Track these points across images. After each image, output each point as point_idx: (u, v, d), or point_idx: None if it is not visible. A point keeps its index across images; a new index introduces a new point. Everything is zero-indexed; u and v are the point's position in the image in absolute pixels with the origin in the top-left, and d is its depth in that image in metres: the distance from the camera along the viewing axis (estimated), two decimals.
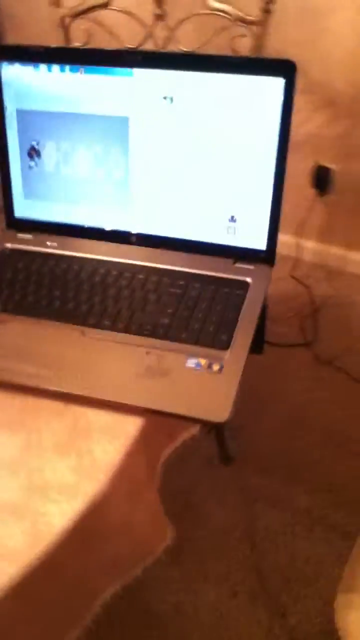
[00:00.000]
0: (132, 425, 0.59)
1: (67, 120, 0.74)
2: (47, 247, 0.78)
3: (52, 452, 0.57)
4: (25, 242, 0.79)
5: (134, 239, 0.78)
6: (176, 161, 0.72)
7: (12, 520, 0.52)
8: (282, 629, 1.02)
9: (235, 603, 1.06)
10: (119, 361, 0.62)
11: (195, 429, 0.67)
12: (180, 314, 0.68)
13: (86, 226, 0.79)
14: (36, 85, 0.73)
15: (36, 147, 0.76)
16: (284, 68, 0.64)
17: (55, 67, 0.72)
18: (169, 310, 0.68)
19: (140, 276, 0.73)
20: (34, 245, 0.79)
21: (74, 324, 0.67)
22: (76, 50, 0.71)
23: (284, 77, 0.64)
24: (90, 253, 0.77)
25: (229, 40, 0.99)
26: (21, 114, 0.75)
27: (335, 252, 1.70)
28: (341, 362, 1.44)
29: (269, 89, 0.65)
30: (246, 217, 0.73)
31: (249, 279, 0.72)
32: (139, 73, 0.69)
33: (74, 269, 0.74)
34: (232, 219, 0.73)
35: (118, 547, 0.60)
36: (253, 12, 0.99)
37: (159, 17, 1.05)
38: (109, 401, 0.59)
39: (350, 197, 1.54)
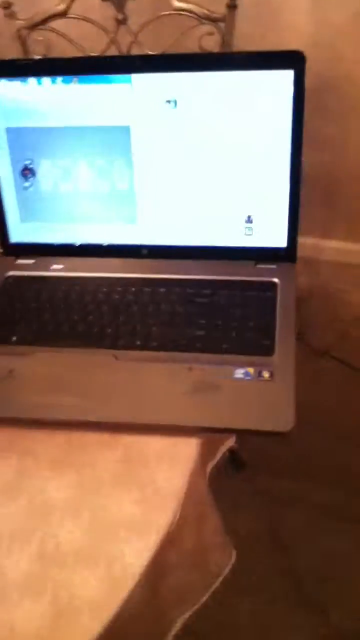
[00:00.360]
0: (189, 447, 0.55)
1: (63, 135, 0.70)
2: (53, 270, 0.74)
3: (111, 487, 0.53)
4: (28, 268, 0.75)
5: (145, 252, 0.74)
6: (185, 166, 0.69)
7: (83, 568, 0.48)
8: (326, 628, 1.00)
9: (274, 611, 1.03)
10: (162, 381, 0.59)
11: (232, 440, 0.64)
12: (214, 324, 0.64)
13: (92, 244, 0.75)
14: (26, 100, 0.69)
15: (30, 166, 0.72)
16: (292, 59, 0.62)
17: (46, 80, 0.67)
18: (202, 322, 0.65)
19: (162, 289, 0.69)
20: (39, 270, 0.74)
21: (103, 348, 0.63)
22: (68, 60, 0.67)
23: (293, 68, 0.63)
24: (102, 272, 0.73)
25: (196, 39, 0.97)
26: (12, 132, 0.70)
27: (310, 242, 1.70)
28: (337, 352, 1.43)
29: (278, 83, 0.64)
30: (263, 216, 0.70)
31: (275, 279, 0.70)
32: (138, 79, 0.66)
33: (89, 290, 0.70)
34: (249, 220, 0.71)
35: (191, 574, 0.56)
36: (218, 9, 0.97)
37: (121, 22, 1.02)
38: (160, 425, 0.56)
39: (320, 187, 1.55)
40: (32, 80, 0.68)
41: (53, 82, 0.67)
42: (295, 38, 1.13)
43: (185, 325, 0.65)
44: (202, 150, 0.68)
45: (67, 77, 0.67)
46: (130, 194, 0.72)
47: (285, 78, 0.63)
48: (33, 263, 0.75)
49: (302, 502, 1.17)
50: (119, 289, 0.70)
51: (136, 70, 0.66)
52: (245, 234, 0.72)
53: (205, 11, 0.98)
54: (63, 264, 0.74)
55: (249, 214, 0.71)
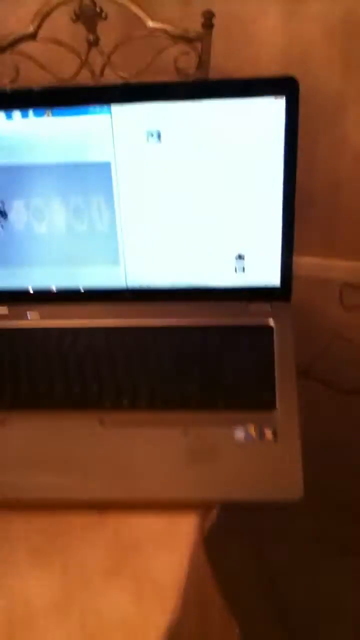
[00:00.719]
0: (187, 525, 0.49)
1: (37, 173, 0.63)
2: (27, 319, 0.67)
3: (101, 580, 0.46)
4: (0, 318, 0.68)
5: (129, 295, 0.68)
6: (171, 202, 0.64)
7: None
8: None
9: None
10: (155, 450, 0.52)
11: None
12: (208, 376, 0.59)
13: (71, 289, 0.69)
14: None
15: (0, 207, 0.66)
16: (284, 85, 0.57)
17: (16, 113, 0.61)
18: (194, 374, 0.59)
19: (149, 338, 0.63)
20: (11, 319, 0.67)
21: (87, 410, 0.56)
22: (40, 91, 0.61)
23: (285, 95, 0.58)
24: (83, 319, 0.66)
25: (170, 59, 0.93)
26: None
27: None
28: (316, 373, 1.38)
29: (270, 111, 0.58)
30: (255, 252, 0.65)
31: (271, 322, 0.64)
32: (118, 110, 0.60)
33: (68, 341, 0.64)
34: (240, 257, 0.65)
35: None
36: (193, 28, 0.93)
37: (92, 43, 0.97)
38: (154, 501, 0.49)
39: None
40: (0, 114, 0.62)
41: (24, 115, 0.61)
42: (269, 54, 1.10)
43: (177, 379, 0.59)
44: (189, 185, 0.63)
45: (40, 110, 0.61)
46: (112, 234, 0.66)
47: (276, 105, 0.58)
48: (6, 312, 0.68)
49: (292, 534, 1.11)
50: (102, 339, 0.64)
51: (116, 100, 0.60)
52: (237, 272, 0.66)
53: (180, 31, 0.93)
54: (39, 311, 0.68)
55: (240, 251, 0.65)
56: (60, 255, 0.67)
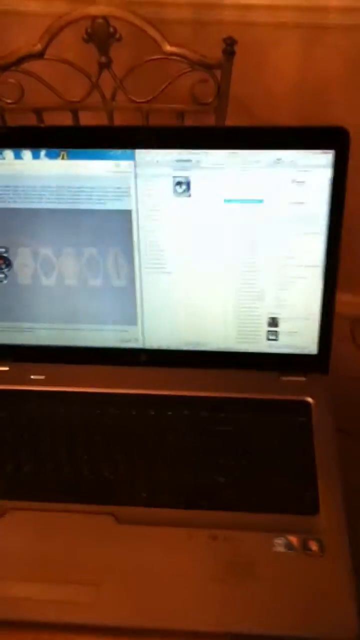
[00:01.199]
0: None
1: (47, 219, 0.56)
2: (31, 382, 0.59)
3: None
4: (0, 378, 0.60)
5: (144, 358, 0.61)
6: (197, 258, 0.56)
7: None
8: None
9: None
10: (177, 559, 0.44)
11: None
12: (238, 465, 0.51)
13: (81, 347, 0.61)
14: (1, 176, 0.55)
15: (4, 254, 0.58)
16: (332, 137, 0.50)
17: (27, 153, 0.54)
18: (221, 462, 0.51)
19: (169, 412, 0.56)
20: (13, 381, 0.59)
21: (98, 504, 0.48)
22: (55, 129, 0.54)
23: (334, 148, 0.51)
24: (92, 386, 0.58)
25: (186, 87, 0.86)
26: None
27: None
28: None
29: (314, 165, 0.51)
30: (290, 315, 0.57)
31: (308, 398, 0.56)
32: (143, 155, 0.53)
33: (76, 412, 0.56)
34: (273, 321, 0.58)
35: None
36: (212, 54, 0.86)
37: (104, 65, 0.90)
38: (176, 631, 0.41)
39: None
40: (8, 153, 0.54)
41: (35, 156, 0.54)
42: (285, 83, 1.04)
43: (201, 467, 0.51)
44: (218, 241, 0.55)
45: (53, 151, 0.54)
46: (130, 291, 0.58)
47: (323, 159, 0.51)
48: (7, 370, 0.61)
49: None
50: (115, 410, 0.56)
51: (141, 144, 0.53)
52: (268, 338, 0.59)
53: (199, 57, 0.87)
54: (44, 373, 0.60)
55: (273, 314, 0.58)
56: (70, 311, 0.60)
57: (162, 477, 0.50)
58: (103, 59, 0.86)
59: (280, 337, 0.58)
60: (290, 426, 0.54)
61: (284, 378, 0.59)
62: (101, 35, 0.83)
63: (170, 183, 0.54)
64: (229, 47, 0.88)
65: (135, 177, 0.54)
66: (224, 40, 0.87)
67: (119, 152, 0.53)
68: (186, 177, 0.53)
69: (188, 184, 0.53)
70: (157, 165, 0.53)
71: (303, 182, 0.52)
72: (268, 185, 0.52)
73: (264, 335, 0.59)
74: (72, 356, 0.61)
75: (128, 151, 0.53)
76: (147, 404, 0.56)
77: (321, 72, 1.05)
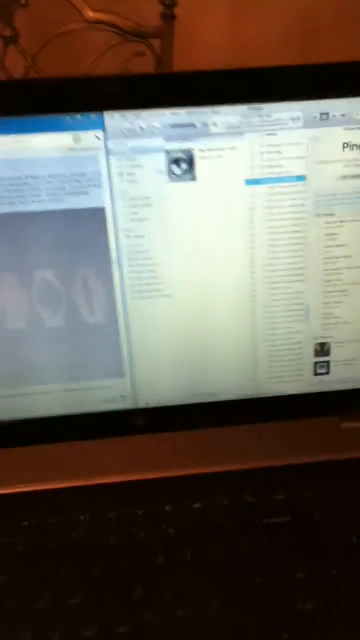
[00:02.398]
0: None
1: None
2: None
3: None
4: None
5: (141, 422, 0.42)
6: (208, 271, 0.38)
7: None
8: None
9: None
10: None
11: None
12: (326, 578, 0.33)
13: (40, 419, 0.41)
14: None
15: None
16: None
17: None
18: (300, 575, 0.33)
19: (195, 505, 0.37)
20: None
21: None
22: None
23: None
24: (64, 478, 0.39)
25: (119, 63, 0.68)
26: None
27: None
28: None
29: None
30: (346, 338, 0.41)
31: None
32: (117, 120, 0.34)
33: (38, 534, 0.36)
34: (322, 350, 0.41)
35: None
36: (147, 20, 0.69)
37: (10, 40, 0.70)
38: None
39: None
40: None
41: None
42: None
43: (273, 591, 0.33)
44: (239, 243, 0.38)
45: None
46: (110, 328, 0.39)
47: None
48: None
49: None
50: (102, 516, 0.37)
51: (114, 103, 0.34)
52: (317, 373, 0.42)
53: (132, 24, 0.69)
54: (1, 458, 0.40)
55: (322, 340, 0.41)
56: (19, 368, 0.40)
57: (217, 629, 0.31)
58: (8, 32, 0.66)
59: (333, 369, 0.41)
60: None
61: (346, 425, 0.42)
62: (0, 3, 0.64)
63: (163, 161, 0.35)
64: (169, 10, 0.70)
65: (108, 155, 0.35)
66: (162, 1, 0.69)
67: (79, 117, 0.34)
68: (187, 151, 0.35)
69: (191, 162, 0.35)
70: (140, 134, 0.35)
71: None
72: (310, 155, 0.35)
73: (309, 369, 0.41)
74: (29, 434, 0.41)
75: (93, 115, 0.34)
76: (157, 495, 0.38)
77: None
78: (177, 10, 0.68)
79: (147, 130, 0.34)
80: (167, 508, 0.37)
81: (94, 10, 0.67)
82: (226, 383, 0.42)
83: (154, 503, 0.37)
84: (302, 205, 0.36)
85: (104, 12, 0.68)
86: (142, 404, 0.42)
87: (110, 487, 0.38)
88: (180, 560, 0.34)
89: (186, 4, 0.77)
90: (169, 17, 0.69)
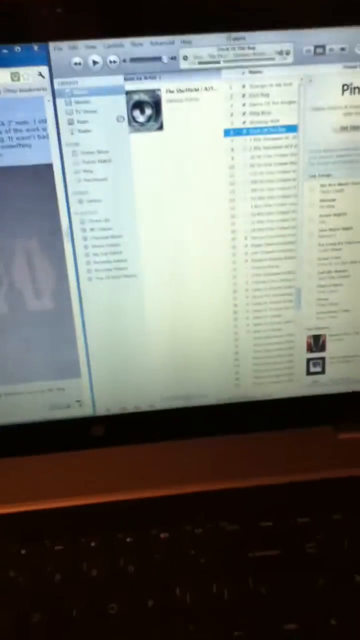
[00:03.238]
0: None
1: None
2: None
3: None
4: None
5: (99, 433, 0.34)
6: (180, 245, 0.31)
7: None
8: None
9: None
10: None
11: None
12: (322, 615, 0.26)
13: None
14: None
15: None
16: None
17: None
18: (292, 627, 0.26)
19: (162, 534, 0.30)
20: None
21: None
22: None
23: None
24: (7, 503, 0.31)
25: None
26: None
27: None
28: None
29: None
30: (344, 330, 0.34)
31: None
32: (65, 51, 0.28)
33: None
34: (316, 343, 0.34)
35: None
36: None
37: None
38: None
39: None
40: None
41: None
42: None
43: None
44: (217, 209, 0.31)
45: None
46: (62, 317, 0.32)
47: None
48: None
49: None
50: (48, 545, 0.29)
51: (59, 31, 0.27)
52: (309, 372, 0.35)
53: None
54: None
55: (316, 331, 0.34)
56: None
57: None
58: None
59: (329, 367, 0.35)
60: None
61: (344, 435, 0.35)
62: None
63: (122, 105, 0.28)
64: None
65: (54, 97, 0.28)
66: None
67: (16, 49, 0.27)
68: (152, 92, 0.28)
69: (156, 106, 0.29)
70: (94, 71, 0.28)
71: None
72: (303, 99, 0.29)
73: (301, 367, 0.35)
74: None
75: (35, 46, 0.27)
76: (116, 522, 0.30)
77: None
78: None
79: (103, 66, 0.28)
80: (128, 539, 0.30)
81: None
82: (203, 384, 0.34)
83: (111, 531, 0.30)
84: (293, 163, 0.30)
85: None
86: (101, 410, 0.34)
87: (56, 512, 0.31)
88: (137, 609, 0.27)
89: None
90: None
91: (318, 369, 0.35)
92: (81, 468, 0.33)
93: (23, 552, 0.29)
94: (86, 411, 0.34)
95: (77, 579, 0.28)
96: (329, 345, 0.34)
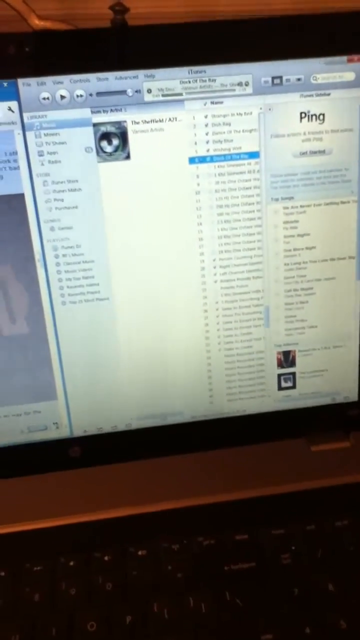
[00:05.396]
0: None
1: None
2: None
3: None
4: None
5: (76, 454, 0.35)
6: (150, 267, 0.32)
7: None
8: None
9: None
10: None
11: None
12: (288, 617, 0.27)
13: None
14: None
15: None
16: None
17: None
18: (268, 637, 0.27)
19: (164, 544, 0.30)
20: None
21: None
22: None
23: None
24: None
25: None
26: None
27: None
28: None
29: (337, 84, 0.30)
30: (313, 345, 0.35)
31: None
32: (33, 87, 0.29)
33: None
34: (286, 359, 0.35)
35: None
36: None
37: None
38: None
39: None
40: None
41: None
42: None
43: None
44: (184, 233, 0.32)
45: None
46: (37, 340, 0.33)
47: (349, 73, 0.30)
48: None
49: None
50: (27, 565, 0.30)
51: (28, 68, 0.28)
52: (281, 387, 0.36)
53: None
54: None
55: (286, 347, 0.35)
56: None
57: None
58: None
59: (300, 381, 0.36)
60: (357, 539, 0.31)
61: (316, 447, 0.36)
62: None
63: (90, 137, 0.30)
64: (120, 16, 0.66)
65: (24, 130, 0.29)
66: (112, 8, 0.65)
67: None
68: (118, 124, 0.30)
69: (123, 136, 0.30)
70: (62, 105, 0.29)
71: (321, 115, 0.30)
72: (263, 127, 0.30)
73: (273, 382, 0.36)
74: None
75: (4, 82, 0.29)
76: (96, 540, 0.31)
77: None
78: (128, 17, 0.64)
79: (70, 100, 0.29)
80: (106, 557, 0.30)
81: (41, 18, 0.63)
82: (178, 402, 0.35)
83: (89, 550, 0.30)
84: (256, 187, 0.31)
85: (51, 20, 0.64)
86: (78, 431, 0.35)
87: (34, 533, 0.31)
88: (116, 625, 0.27)
89: (138, 11, 0.72)
90: (119, 24, 0.65)
91: (289, 384, 0.36)
92: (59, 489, 0.33)
93: (2, 574, 0.29)
94: (63, 433, 0.35)
95: (56, 598, 0.28)
96: (299, 360, 0.35)
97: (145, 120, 0.29)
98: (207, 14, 0.42)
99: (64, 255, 0.32)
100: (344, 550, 0.30)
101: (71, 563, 0.30)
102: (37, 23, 0.65)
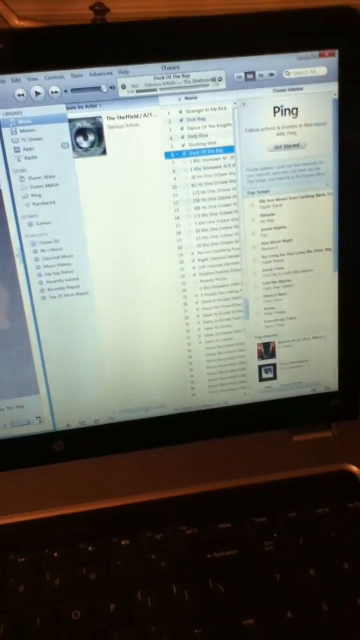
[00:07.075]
0: None
1: None
2: None
3: None
4: None
5: (60, 448, 0.35)
6: (129, 261, 0.33)
7: None
8: None
9: None
10: None
11: None
12: (283, 622, 0.27)
13: None
14: None
15: None
16: (334, 26, 0.30)
17: None
18: (250, 622, 0.27)
19: (148, 534, 0.31)
20: None
21: None
22: None
23: (337, 46, 0.30)
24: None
25: None
26: None
27: None
28: None
29: (308, 79, 0.31)
30: (293, 336, 0.36)
31: (350, 465, 0.34)
32: (8, 83, 0.29)
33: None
34: (266, 351, 0.36)
35: None
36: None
37: None
38: None
39: None
40: None
41: None
42: None
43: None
44: (162, 227, 0.33)
45: None
46: (18, 336, 0.33)
47: (321, 67, 0.31)
48: None
49: None
50: (11, 557, 0.30)
51: (1, 65, 0.29)
52: (262, 378, 0.36)
53: None
54: None
55: (266, 339, 0.36)
56: None
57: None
58: None
59: (280, 372, 0.36)
60: (337, 526, 0.31)
61: (298, 437, 0.36)
62: None
63: (66, 132, 0.30)
64: (100, 15, 0.66)
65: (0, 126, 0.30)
66: (92, 8, 0.66)
67: None
68: (94, 120, 0.30)
69: (99, 132, 0.30)
70: (37, 101, 0.29)
71: (294, 110, 0.31)
72: (237, 121, 0.31)
73: (254, 374, 0.36)
74: None
75: None
76: (80, 532, 0.31)
77: None
78: (109, 17, 0.64)
79: (45, 96, 0.29)
80: (90, 548, 0.30)
81: (21, 18, 0.63)
82: (159, 395, 0.36)
83: (73, 542, 0.31)
84: (232, 181, 0.32)
85: (30, 20, 0.64)
86: (61, 425, 0.35)
87: (20, 525, 0.32)
88: (100, 613, 0.28)
89: (118, 11, 0.73)
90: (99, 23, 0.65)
91: (270, 375, 0.36)
92: (43, 482, 0.34)
93: None
94: (46, 427, 0.35)
95: (41, 588, 0.29)
96: (279, 351, 0.36)
97: (120, 116, 0.30)
98: (189, 14, 0.42)
99: (42, 251, 0.32)
100: (325, 537, 0.31)
101: (55, 554, 0.30)
102: (17, 23, 0.65)
